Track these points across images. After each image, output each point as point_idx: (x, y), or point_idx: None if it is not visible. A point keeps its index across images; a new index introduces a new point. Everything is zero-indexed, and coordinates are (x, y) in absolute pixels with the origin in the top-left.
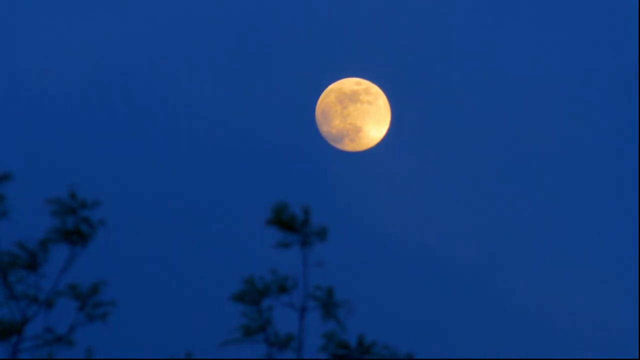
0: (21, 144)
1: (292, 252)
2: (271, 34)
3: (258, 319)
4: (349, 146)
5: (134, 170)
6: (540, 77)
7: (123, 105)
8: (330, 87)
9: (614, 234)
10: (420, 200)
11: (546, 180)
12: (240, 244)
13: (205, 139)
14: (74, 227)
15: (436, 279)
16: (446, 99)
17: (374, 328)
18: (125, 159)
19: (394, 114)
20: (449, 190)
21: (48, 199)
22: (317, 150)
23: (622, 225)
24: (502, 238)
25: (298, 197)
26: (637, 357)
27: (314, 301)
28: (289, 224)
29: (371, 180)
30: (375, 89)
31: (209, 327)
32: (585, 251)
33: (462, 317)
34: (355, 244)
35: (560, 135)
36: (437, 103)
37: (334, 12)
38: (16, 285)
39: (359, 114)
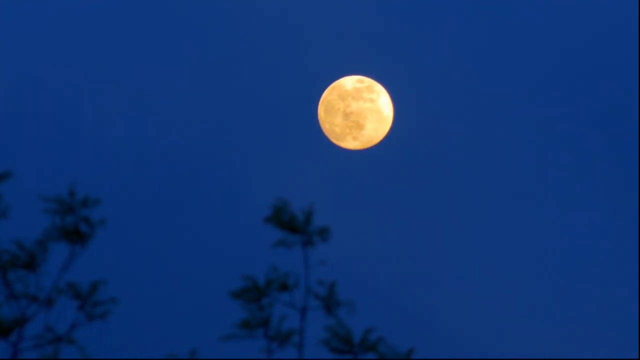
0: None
1: (293, 251)
2: (274, 32)
3: (258, 314)
4: (351, 144)
5: (134, 168)
6: (541, 80)
7: (122, 102)
8: (333, 84)
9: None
10: (420, 200)
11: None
12: (242, 243)
13: (208, 136)
14: (74, 226)
15: (430, 277)
16: (448, 98)
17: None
18: (125, 155)
19: (396, 112)
20: (449, 191)
21: (45, 197)
22: (319, 148)
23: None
24: (502, 236)
25: (300, 196)
26: (637, 357)
27: (316, 300)
28: (290, 224)
29: (373, 178)
30: (377, 87)
31: (211, 326)
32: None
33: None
34: (356, 243)
35: (559, 141)
36: (439, 102)
37: (337, 10)
38: (16, 285)
39: (362, 111)
